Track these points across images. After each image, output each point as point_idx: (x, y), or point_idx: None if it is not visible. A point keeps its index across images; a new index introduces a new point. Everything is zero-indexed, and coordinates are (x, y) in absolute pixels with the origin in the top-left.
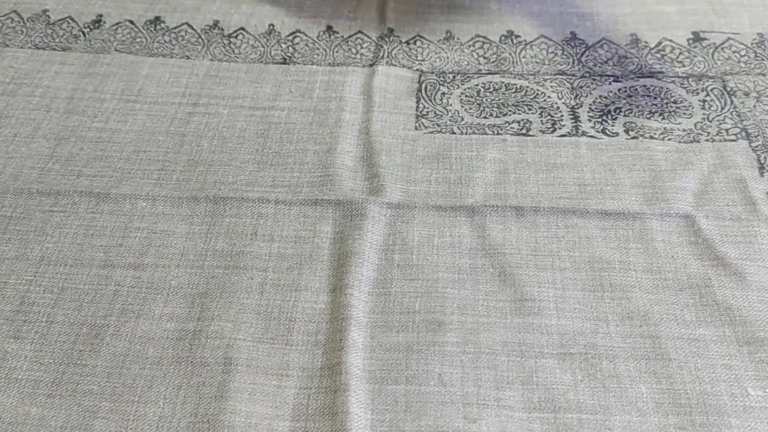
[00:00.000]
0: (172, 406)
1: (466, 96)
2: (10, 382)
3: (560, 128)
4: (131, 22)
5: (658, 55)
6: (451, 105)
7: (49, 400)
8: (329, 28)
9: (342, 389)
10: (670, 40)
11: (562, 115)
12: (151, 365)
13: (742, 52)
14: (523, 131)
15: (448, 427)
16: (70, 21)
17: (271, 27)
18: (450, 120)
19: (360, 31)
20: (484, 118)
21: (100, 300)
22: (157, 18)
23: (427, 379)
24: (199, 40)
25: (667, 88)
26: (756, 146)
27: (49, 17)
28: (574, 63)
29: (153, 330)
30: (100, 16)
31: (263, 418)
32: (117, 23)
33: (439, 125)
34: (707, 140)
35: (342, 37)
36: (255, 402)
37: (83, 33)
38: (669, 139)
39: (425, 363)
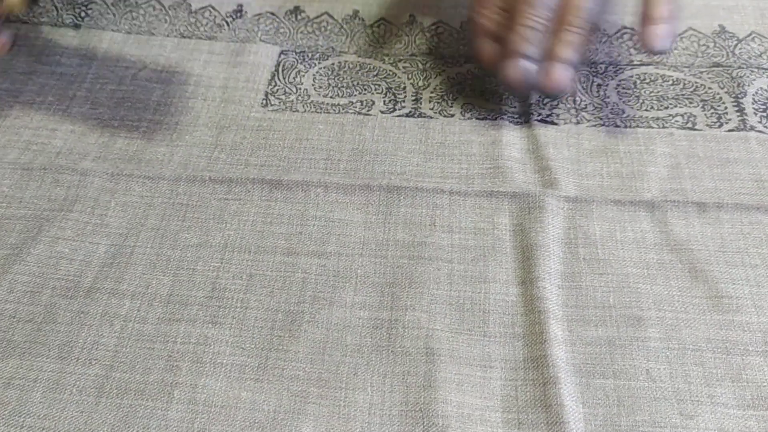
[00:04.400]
0: (381, 393)
1: (623, 88)
2: (216, 367)
3: (726, 122)
4: (272, 13)
5: None
6: (608, 97)
7: (257, 385)
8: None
9: (552, 382)
10: None
11: (726, 108)
12: (352, 353)
13: None
14: (689, 125)
15: (665, 423)
16: (212, 10)
17: (412, 17)
18: (611, 113)
19: None
20: (646, 110)
21: (290, 287)
22: (297, 8)
23: (636, 375)
24: (342, 30)
25: None
26: None
27: (190, 6)
28: (728, 55)
29: (348, 318)
30: (240, 6)
31: (475, 409)
32: (258, 14)
33: (600, 118)
34: None
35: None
36: (464, 392)
37: (226, 22)
38: None
39: (630, 358)
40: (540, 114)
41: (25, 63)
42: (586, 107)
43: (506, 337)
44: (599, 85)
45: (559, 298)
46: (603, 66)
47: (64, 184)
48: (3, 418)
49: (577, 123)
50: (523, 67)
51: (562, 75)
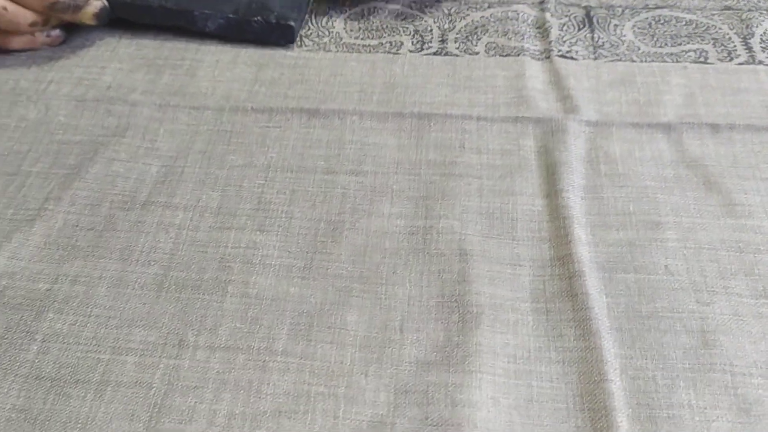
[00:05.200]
0: (419, 288)
1: (639, 28)
2: (265, 267)
3: (736, 57)
4: None
5: None
6: (625, 36)
7: (304, 282)
8: None
9: (577, 275)
10: None
11: (735, 46)
12: (391, 255)
13: None
14: (701, 59)
15: (683, 309)
16: None
17: None
18: (627, 49)
19: None
20: (660, 47)
21: (330, 200)
22: None
23: (655, 269)
24: None
25: None
26: None
27: None
28: None
29: (385, 226)
30: None
31: (506, 299)
32: None
33: (617, 54)
34: None
35: None
36: (495, 286)
37: None
38: None
39: (650, 255)
40: (560, 51)
41: None
42: (603, 45)
43: (533, 240)
44: (616, 26)
45: (582, 208)
46: (620, 9)
47: (116, 114)
48: (72, 309)
49: (596, 59)
50: None
51: None
